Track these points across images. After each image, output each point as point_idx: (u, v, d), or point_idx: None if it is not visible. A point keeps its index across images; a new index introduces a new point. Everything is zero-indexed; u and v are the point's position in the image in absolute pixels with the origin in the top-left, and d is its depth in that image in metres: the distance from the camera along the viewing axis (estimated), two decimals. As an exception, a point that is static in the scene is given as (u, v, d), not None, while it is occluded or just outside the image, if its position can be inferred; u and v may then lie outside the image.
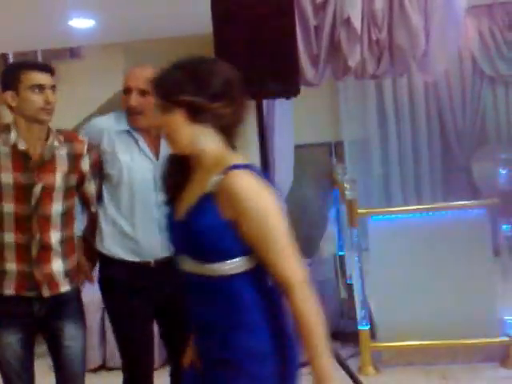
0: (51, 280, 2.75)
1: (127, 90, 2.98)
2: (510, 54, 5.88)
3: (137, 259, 3.01)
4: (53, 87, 2.72)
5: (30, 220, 2.69)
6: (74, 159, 2.81)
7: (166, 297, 3.07)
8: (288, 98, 3.90)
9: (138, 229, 2.98)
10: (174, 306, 3.08)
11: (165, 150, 2.98)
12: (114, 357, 4.53)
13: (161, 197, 2.91)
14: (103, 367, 4.71)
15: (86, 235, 3.06)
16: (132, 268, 3.01)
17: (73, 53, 6.01)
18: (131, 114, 2.98)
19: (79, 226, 3.01)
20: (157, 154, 3.02)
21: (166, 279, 3.00)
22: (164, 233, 2.95)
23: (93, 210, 3.01)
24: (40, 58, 6.02)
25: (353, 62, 4.29)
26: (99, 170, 2.95)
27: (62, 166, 2.76)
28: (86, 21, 4.66)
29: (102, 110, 5.67)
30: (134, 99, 2.95)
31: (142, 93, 2.95)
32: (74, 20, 4.62)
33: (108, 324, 4.47)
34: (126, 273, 3.02)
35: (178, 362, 3.17)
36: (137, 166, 2.98)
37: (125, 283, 3.03)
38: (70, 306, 2.84)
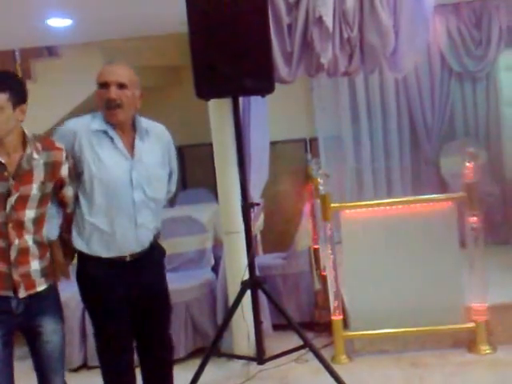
0: (28, 280, 2.79)
1: (105, 85, 3.03)
2: (477, 51, 5.97)
3: (113, 255, 3.08)
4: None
5: (6, 226, 2.72)
6: (52, 167, 2.84)
7: (141, 287, 3.15)
8: (263, 95, 3.99)
9: (114, 225, 3.05)
10: (147, 299, 3.21)
11: (140, 147, 3.09)
12: (95, 355, 4.59)
13: (137, 193, 3.03)
14: (84, 366, 4.74)
15: (62, 233, 3.10)
16: (108, 263, 3.09)
17: (51, 52, 6.03)
18: (110, 107, 3.02)
19: (56, 229, 3.04)
20: (132, 151, 3.08)
21: (140, 272, 3.13)
22: (139, 229, 3.06)
23: (68, 211, 3.07)
24: (18, 57, 6.04)
25: (325, 59, 4.36)
26: (76, 174, 3.01)
27: (38, 176, 2.78)
28: (63, 20, 4.69)
29: (81, 109, 5.73)
30: (114, 92, 3.01)
31: (120, 86, 3.02)
32: (52, 19, 4.64)
33: (88, 323, 4.56)
34: (102, 268, 3.09)
35: (143, 353, 3.31)
36: (112, 163, 3.03)
37: (101, 278, 3.10)
38: (47, 301, 2.89)
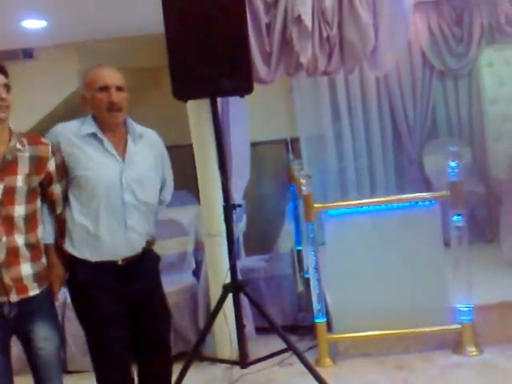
0: (20, 284, 2.77)
1: (105, 88, 3.03)
2: (458, 48, 5.97)
3: (103, 258, 3.04)
4: (6, 86, 2.75)
5: None
6: (38, 162, 2.84)
7: (136, 295, 3.11)
8: (242, 95, 3.95)
9: (103, 228, 3.02)
10: (144, 305, 3.17)
11: (132, 149, 3.08)
12: (75, 359, 4.53)
13: (127, 195, 3.00)
14: (63, 371, 4.64)
15: (57, 239, 3.07)
16: (99, 267, 3.05)
17: (26, 53, 5.95)
18: (112, 110, 3.03)
19: (50, 233, 3.02)
20: (123, 154, 3.07)
21: (134, 277, 3.09)
22: (130, 232, 3.02)
23: (58, 211, 3.03)
24: (-8, 59, 5.96)
25: (304, 58, 4.34)
26: (64, 172, 2.99)
27: (23, 168, 2.78)
28: (38, 21, 4.62)
29: (58, 111, 5.67)
30: (115, 95, 3.02)
31: (119, 89, 3.04)
32: (27, 21, 4.58)
33: (68, 326, 4.49)
34: (93, 272, 3.05)
35: (146, 365, 3.26)
36: (102, 165, 3.02)
37: (93, 282, 3.05)
38: (40, 307, 2.86)
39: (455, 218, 4.25)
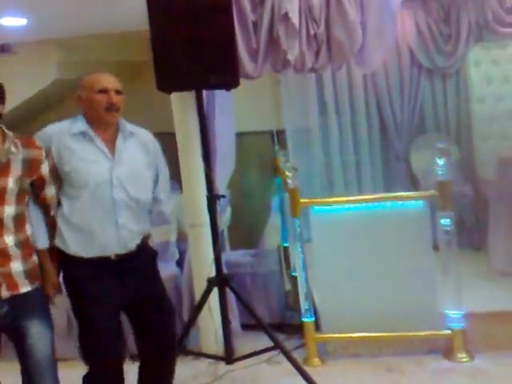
0: (10, 280, 2.78)
1: (104, 90, 3.12)
2: (446, 46, 5.94)
3: (95, 255, 3.07)
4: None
5: None
6: (30, 164, 2.87)
7: (133, 290, 3.14)
8: (228, 89, 3.96)
9: (94, 225, 3.06)
10: (142, 301, 3.20)
11: (121, 146, 3.14)
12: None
13: (117, 193, 3.03)
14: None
15: (50, 240, 3.08)
16: (93, 264, 3.08)
17: (3, 48, 5.88)
18: (112, 110, 3.11)
19: (44, 238, 3.04)
20: (113, 151, 3.12)
21: (129, 272, 3.12)
22: (120, 229, 3.05)
23: (52, 213, 3.06)
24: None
25: (292, 56, 4.33)
26: (57, 175, 3.03)
27: (15, 171, 2.81)
28: (17, 19, 4.58)
29: (32, 101, 5.64)
30: (115, 97, 3.12)
31: (117, 92, 3.14)
32: (5, 18, 4.53)
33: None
34: (87, 268, 3.08)
35: (147, 355, 3.29)
36: (92, 163, 3.07)
37: (87, 276, 3.09)
38: (33, 304, 2.87)
39: (444, 220, 4.18)
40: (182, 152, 4.53)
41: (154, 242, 4.86)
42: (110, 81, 3.16)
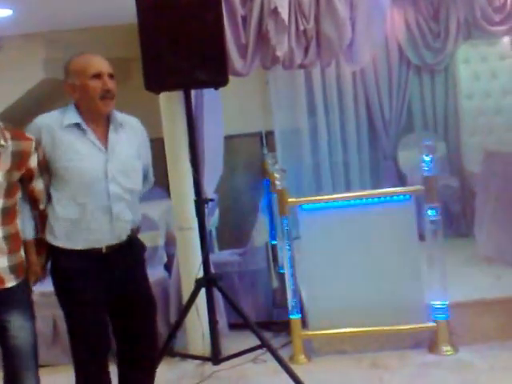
0: None
1: (99, 75, 2.98)
2: (435, 43, 5.96)
3: (87, 247, 3.01)
4: None
5: None
6: (20, 157, 2.82)
7: (120, 283, 3.09)
8: (217, 87, 3.91)
9: (88, 218, 2.99)
10: (128, 293, 3.14)
11: (114, 139, 3.05)
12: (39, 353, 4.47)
13: (112, 186, 2.98)
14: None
15: (39, 233, 3.04)
16: (83, 256, 3.02)
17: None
18: (106, 98, 2.98)
19: (31, 229, 3.00)
20: (106, 144, 3.03)
21: (118, 265, 3.07)
22: (116, 221, 3.01)
23: (41, 207, 3.00)
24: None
25: (281, 51, 4.33)
26: (46, 168, 2.96)
27: (4, 164, 2.76)
28: (3, 10, 4.51)
29: (23, 102, 5.57)
30: (110, 83, 2.99)
31: (111, 76, 3.01)
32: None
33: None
34: (77, 261, 3.02)
35: (128, 354, 3.23)
36: (86, 156, 2.98)
37: (76, 271, 3.02)
38: (17, 298, 2.85)
39: (430, 211, 4.22)
40: (170, 156, 4.50)
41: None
42: (103, 64, 3.02)
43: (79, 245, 3.01)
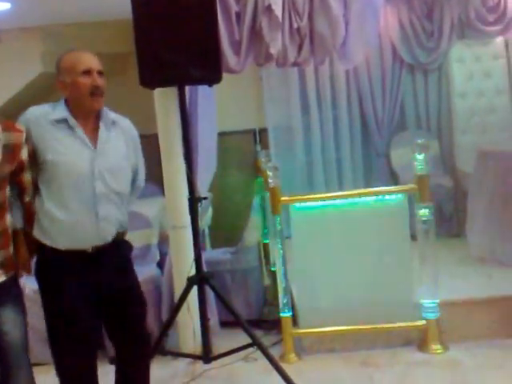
0: None
1: (88, 72, 2.97)
2: (428, 42, 5.97)
3: (72, 247, 2.98)
4: None
5: None
6: (11, 149, 2.79)
7: (107, 283, 3.06)
8: (210, 84, 3.89)
9: (73, 216, 2.96)
10: (116, 293, 3.12)
11: (104, 137, 3.03)
12: (33, 352, 4.40)
13: (98, 184, 2.95)
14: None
15: (25, 225, 3.01)
16: (69, 255, 2.99)
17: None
18: (96, 94, 2.97)
19: (18, 219, 2.97)
20: (95, 142, 3.00)
21: (104, 265, 3.04)
22: (101, 221, 2.98)
23: (27, 199, 2.97)
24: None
25: (274, 49, 4.32)
26: (34, 160, 2.93)
27: None
28: (1, 3, 4.49)
29: (21, 95, 5.54)
30: (99, 79, 2.98)
31: (100, 73, 3.00)
32: (-11, 2, 4.45)
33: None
34: (62, 261, 2.99)
35: (121, 354, 3.23)
36: (73, 153, 2.96)
37: (63, 270, 2.99)
38: (7, 293, 2.83)
39: (422, 211, 4.21)
40: (165, 154, 4.48)
41: (135, 246, 4.85)
42: (92, 60, 3.01)
43: (65, 244, 2.98)
